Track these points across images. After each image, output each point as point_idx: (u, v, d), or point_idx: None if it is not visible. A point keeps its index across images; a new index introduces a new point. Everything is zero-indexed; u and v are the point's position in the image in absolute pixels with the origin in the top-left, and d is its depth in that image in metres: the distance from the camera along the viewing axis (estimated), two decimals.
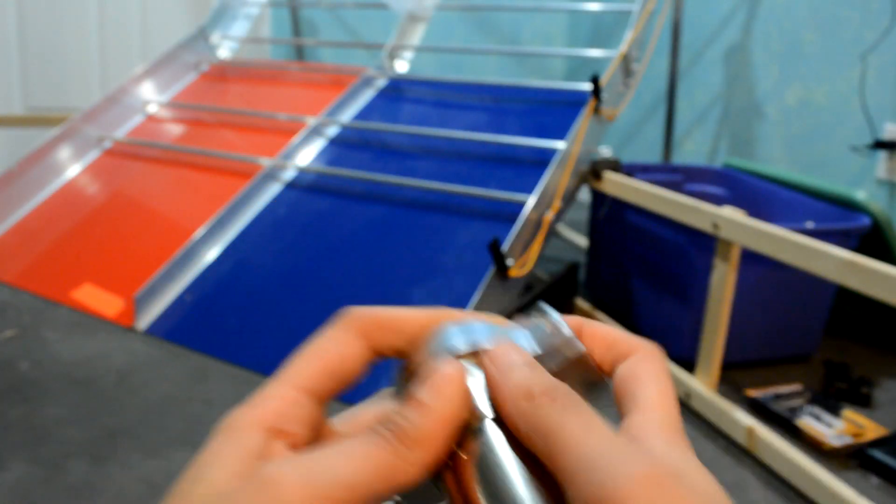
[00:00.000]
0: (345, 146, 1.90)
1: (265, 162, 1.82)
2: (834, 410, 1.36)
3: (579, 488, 0.19)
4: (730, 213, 1.28)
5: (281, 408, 0.23)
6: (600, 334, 0.26)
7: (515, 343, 0.25)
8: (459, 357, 0.24)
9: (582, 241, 2.16)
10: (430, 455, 0.22)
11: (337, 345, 0.25)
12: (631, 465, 0.19)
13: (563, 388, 0.22)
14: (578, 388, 0.24)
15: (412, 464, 0.22)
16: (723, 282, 1.30)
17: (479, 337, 0.25)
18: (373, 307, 0.26)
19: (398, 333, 0.25)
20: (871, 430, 1.31)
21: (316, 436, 0.25)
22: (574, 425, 0.21)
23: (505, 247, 1.39)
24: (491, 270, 1.39)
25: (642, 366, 0.24)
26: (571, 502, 0.20)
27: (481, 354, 0.24)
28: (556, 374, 0.24)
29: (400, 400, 0.25)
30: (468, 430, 0.23)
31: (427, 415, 0.22)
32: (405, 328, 0.26)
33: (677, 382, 1.38)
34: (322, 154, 1.89)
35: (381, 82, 2.08)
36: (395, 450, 0.21)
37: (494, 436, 0.23)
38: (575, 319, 0.26)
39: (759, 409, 1.37)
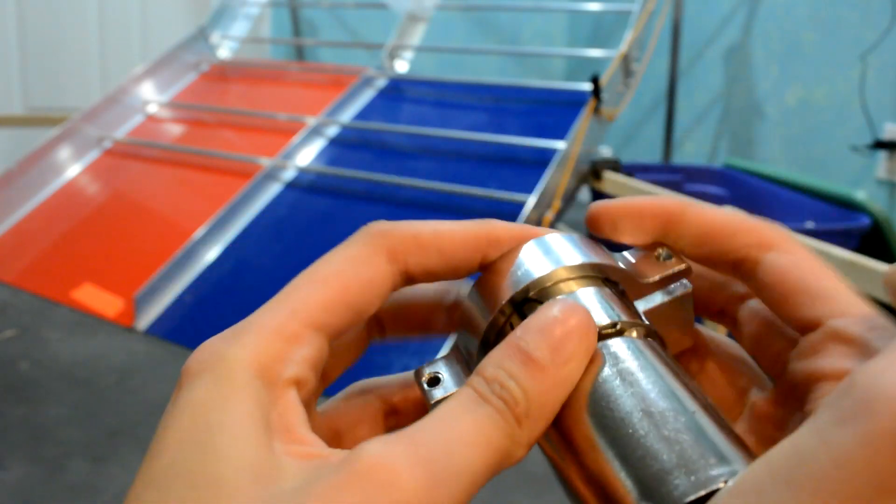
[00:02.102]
0: (345, 146, 1.90)
1: (265, 162, 1.82)
2: None
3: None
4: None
5: (284, 347, 0.18)
6: (717, 223, 0.20)
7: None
8: (562, 282, 0.19)
9: None
10: (541, 432, 0.17)
11: (360, 267, 0.19)
12: None
13: None
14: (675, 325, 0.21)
15: (522, 445, 0.17)
16: None
17: (580, 255, 0.20)
18: (403, 221, 0.21)
19: (440, 254, 0.20)
20: None
21: (322, 388, 0.20)
22: None
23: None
24: None
25: (805, 262, 0.19)
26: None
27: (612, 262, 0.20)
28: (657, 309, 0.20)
29: (478, 344, 0.20)
30: None
31: (545, 380, 0.17)
32: (448, 248, 0.20)
33: None
34: (322, 154, 1.89)
35: (381, 82, 2.08)
36: (507, 427, 0.17)
37: (636, 344, 0.18)
38: (673, 204, 0.21)
39: None
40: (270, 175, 1.81)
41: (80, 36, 2.68)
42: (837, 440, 0.13)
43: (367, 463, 0.15)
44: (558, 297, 0.19)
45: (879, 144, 2.04)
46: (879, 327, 0.17)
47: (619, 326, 0.18)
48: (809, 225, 1.54)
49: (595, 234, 0.22)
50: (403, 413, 0.23)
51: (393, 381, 0.23)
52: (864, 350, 0.17)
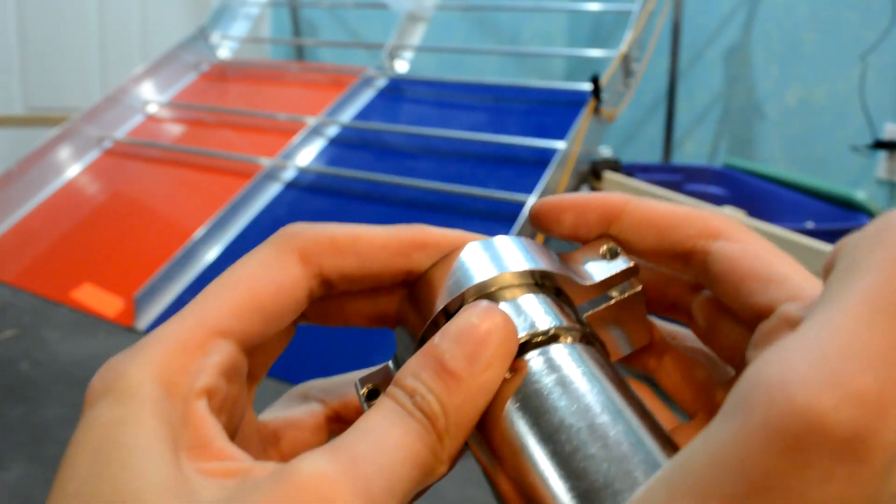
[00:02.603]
0: (345, 146, 1.90)
1: (265, 162, 1.82)
2: None
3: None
4: (730, 213, 1.28)
5: (189, 358, 0.17)
6: (659, 215, 0.20)
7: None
8: (493, 292, 0.18)
9: None
10: (462, 444, 0.17)
11: (270, 270, 0.18)
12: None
13: None
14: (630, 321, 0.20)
15: (444, 461, 0.16)
16: None
17: (521, 260, 0.19)
18: (321, 223, 0.20)
19: (358, 257, 0.19)
20: None
21: (243, 405, 0.19)
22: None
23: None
24: None
25: (754, 248, 0.18)
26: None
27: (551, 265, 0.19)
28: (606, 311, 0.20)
29: (409, 350, 0.19)
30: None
31: (461, 392, 0.16)
32: (366, 251, 0.19)
33: None
34: (322, 154, 1.89)
35: (381, 82, 2.08)
36: (430, 442, 0.16)
37: (575, 351, 0.17)
38: (615, 199, 0.20)
39: None
40: (270, 175, 1.81)
41: (80, 36, 2.68)
42: (715, 438, 0.12)
43: (303, 479, 0.14)
44: (480, 301, 0.18)
45: (879, 144, 2.04)
46: None
47: (552, 332, 0.18)
48: (809, 225, 1.54)
49: (540, 230, 0.22)
50: (346, 419, 0.22)
51: (337, 383, 0.22)
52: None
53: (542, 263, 0.19)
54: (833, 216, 1.62)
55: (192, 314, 0.17)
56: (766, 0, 2.44)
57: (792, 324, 0.16)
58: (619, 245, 0.20)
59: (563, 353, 0.17)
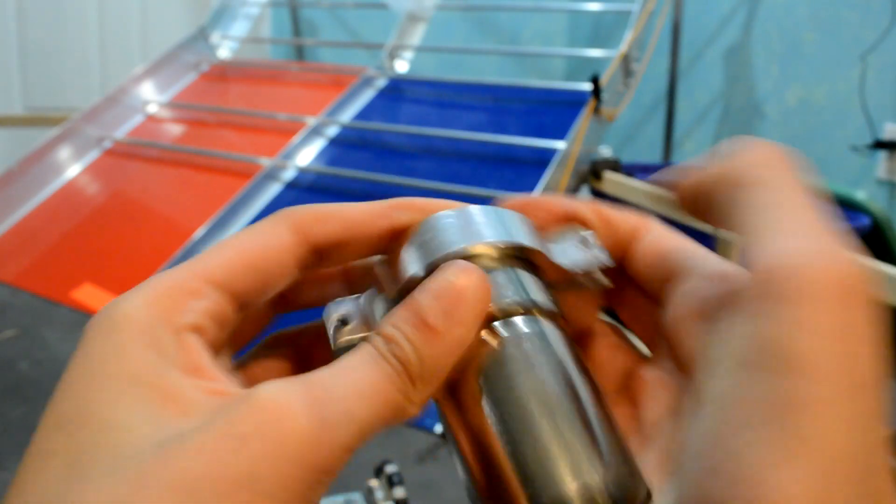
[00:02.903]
0: (345, 146, 1.90)
1: (265, 162, 1.82)
2: None
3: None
4: None
5: (182, 298, 0.18)
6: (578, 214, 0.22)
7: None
8: (468, 257, 0.19)
9: None
10: (433, 391, 0.18)
11: (260, 236, 0.20)
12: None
13: None
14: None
15: (415, 403, 0.18)
16: None
17: (501, 231, 0.19)
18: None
19: (341, 223, 0.20)
20: None
21: (233, 352, 0.21)
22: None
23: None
24: None
25: (667, 239, 0.21)
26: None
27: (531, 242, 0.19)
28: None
29: (388, 304, 0.20)
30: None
31: (437, 344, 0.17)
32: (350, 215, 0.20)
33: None
34: (322, 154, 1.89)
35: (381, 82, 2.08)
36: (401, 385, 0.17)
37: (544, 329, 0.18)
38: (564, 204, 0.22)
39: None
40: (270, 175, 1.81)
41: (80, 36, 2.68)
42: (782, 333, 0.14)
43: (261, 399, 0.16)
44: (458, 260, 0.18)
45: (879, 144, 2.04)
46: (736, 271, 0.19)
47: (528, 308, 0.18)
48: None
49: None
50: (318, 364, 0.23)
51: (310, 329, 0.23)
52: (724, 281, 0.18)
53: (520, 237, 0.19)
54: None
55: (187, 267, 0.19)
56: (766, 0, 2.44)
57: (701, 279, 0.19)
58: (593, 233, 0.21)
59: (539, 330, 0.18)
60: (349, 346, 0.19)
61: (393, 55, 2.16)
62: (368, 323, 0.20)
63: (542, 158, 1.60)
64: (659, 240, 0.21)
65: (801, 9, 2.32)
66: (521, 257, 0.19)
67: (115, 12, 2.72)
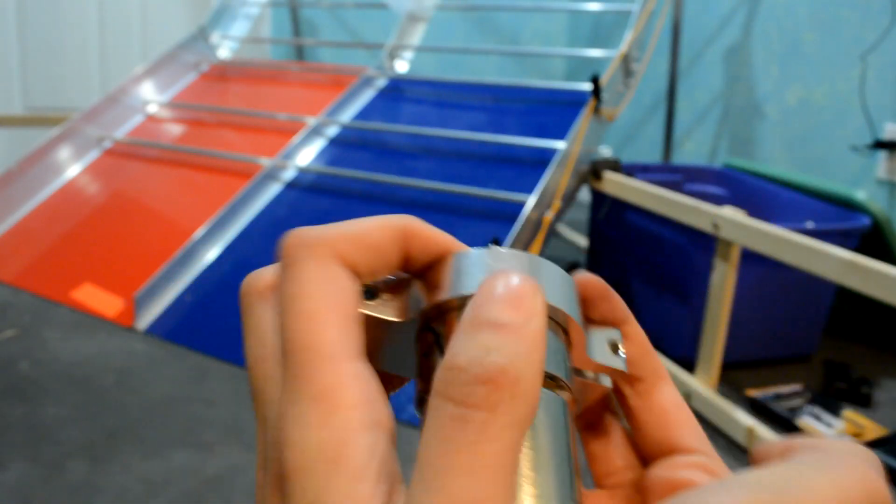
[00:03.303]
0: (345, 146, 1.90)
1: (265, 162, 1.82)
2: (834, 410, 1.36)
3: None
4: (730, 213, 1.28)
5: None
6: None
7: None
8: None
9: (582, 241, 2.16)
10: (536, 399, 0.16)
11: (328, 283, 0.19)
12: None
13: None
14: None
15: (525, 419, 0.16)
16: (723, 282, 1.30)
17: (558, 294, 0.19)
18: (317, 228, 0.20)
19: (373, 251, 0.19)
20: (871, 430, 1.31)
21: None
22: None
23: (505, 247, 1.39)
24: None
25: (677, 398, 0.22)
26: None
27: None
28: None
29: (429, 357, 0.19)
30: None
31: (523, 340, 0.15)
32: (376, 243, 0.20)
33: (677, 382, 1.38)
34: (322, 154, 1.89)
35: (381, 82, 2.08)
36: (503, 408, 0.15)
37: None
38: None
39: (760, 409, 1.37)
40: (270, 175, 1.81)
41: (80, 36, 2.68)
42: None
43: None
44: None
45: (879, 144, 2.04)
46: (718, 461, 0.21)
47: (560, 384, 0.19)
48: (809, 225, 1.54)
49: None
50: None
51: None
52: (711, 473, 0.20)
53: (573, 311, 0.20)
54: (833, 216, 1.62)
55: (315, 357, 0.17)
56: (766, 0, 2.44)
57: (698, 466, 0.21)
58: (622, 342, 0.22)
59: (561, 407, 0.19)
60: (370, 319, 0.20)
61: (393, 55, 2.16)
62: (397, 307, 0.20)
63: (542, 158, 1.60)
64: (671, 403, 0.22)
65: (801, 9, 2.32)
66: (561, 325, 0.20)
67: (115, 12, 2.72)
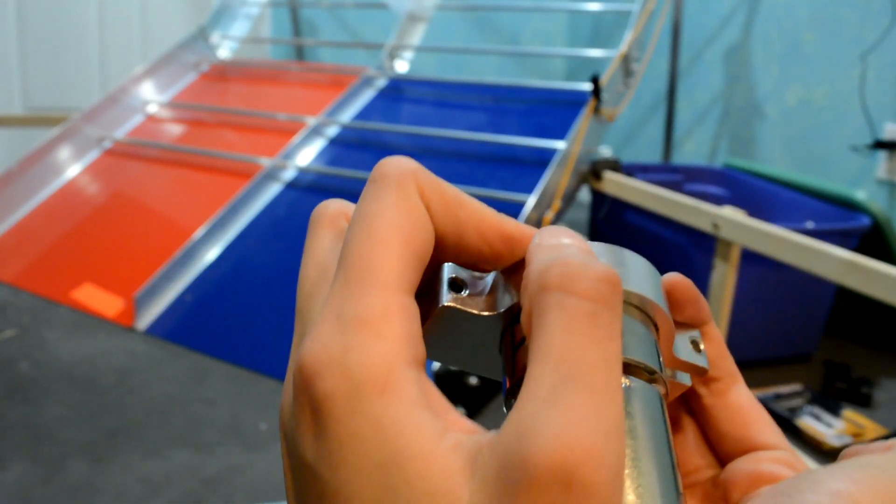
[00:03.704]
0: (345, 146, 1.90)
1: (265, 162, 1.82)
2: (834, 410, 1.36)
3: None
4: (730, 213, 1.28)
5: (407, 326, 0.16)
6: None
7: None
8: None
9: None
10: None
11: (411, 216, 0.18)
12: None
13: None
14: None
15: None
16: (723, 282, 1.30)
17: (651, 288, 0.20)
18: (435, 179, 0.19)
19: (478, 234, 0.19)
20: (871, 430, 1.31)
21: None
22: None
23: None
24: None
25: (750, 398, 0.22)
26: None
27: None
28: None
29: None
30: None
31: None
32: (487, 231, 0.19)
33: None
34: (322, 154, 1.89)
35: (381, 82, 2.08)
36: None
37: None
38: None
39: None
40: (270, 175, 1.81)
41: (80, 36, 2.68)
42: None
43: None
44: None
45: (879, 144, 2.04)
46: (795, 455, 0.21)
47: (655, 376, 0.19)
48: (809, 225, 1.54)
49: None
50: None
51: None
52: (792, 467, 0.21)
53: (663, 303, 0.20)
54: (833, 216, 1.62)
55: (371, 278, 0.16)
56: (766, 0, 2.44)
57: (779, 461, 0.21)
58: (702, 342, 0.22)
59: (655, 396, 0.19)
60: (455, 311, 0.19)
61: (393, 55, 2.16)
62: (482, 301, 0.20)
63: (542, 158, 1.60)
64: (748, 402, 0.22)
65: (801, 9, 2.32)
66: (651, 317, 0.20)
67: (115, 12, 2.72)
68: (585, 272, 0.15)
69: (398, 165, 0.18)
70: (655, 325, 0.20)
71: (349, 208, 0.20)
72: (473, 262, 0.19)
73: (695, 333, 0.22)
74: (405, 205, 0.18)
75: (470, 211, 0.19)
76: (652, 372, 0.19)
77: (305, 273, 0.19)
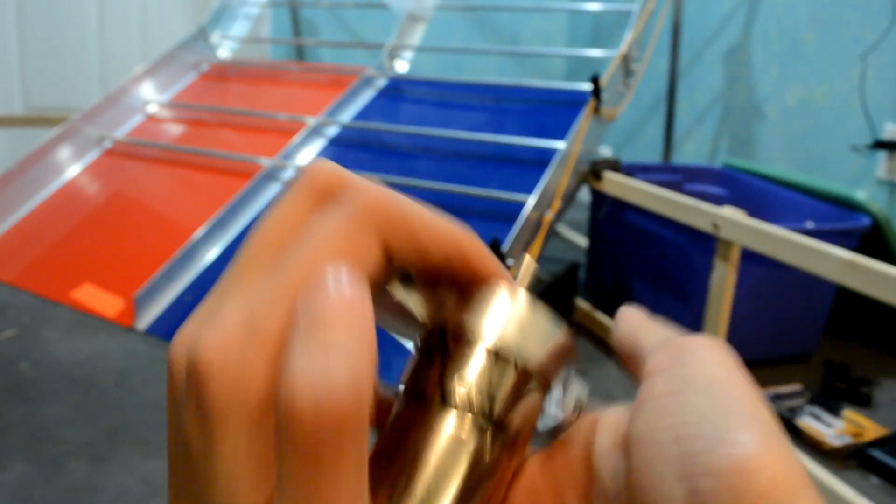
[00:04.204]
0: (345, 146, 1.90)
1: (265, 162, 1.82)
2: (834, 410, 1.36)
3: None
4: (730, 213, 1.28)
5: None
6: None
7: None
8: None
9: (582, 241, 2.16)
10: None
11: (355, 246, 0.16)
12: None
13: None
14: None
15: None
16: (723, 282, 1.30)
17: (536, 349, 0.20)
18: (372, 186, 0.18)
19: (418, 243, 0.18)
20: (871, 430, 1.31)
21: None
22: None
23: (505, 247, 1.39)
24: None
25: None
26: None
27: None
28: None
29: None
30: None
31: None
32: (434, 242, 0.18)
33: None
34: (322, 154, 1.89)
35: (381, 82, 2.08)
36: None
37: None
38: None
39: None
40: (270, 175, 1.81)
41: (80, 36, 2.68)
42: None
43: None
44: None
45: (879, 144, 2.04)
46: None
47: (487, 417, 0.19)
48: (809, 225, 1.54)
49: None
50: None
51: None
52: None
53: (551, 371, 0.21)
54: (833, 216, 1.62)
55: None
56: (766, 0, 2.44)
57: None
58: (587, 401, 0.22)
59: (479, 430, 0.19)
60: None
61: (393, 55, 2.16)
62: (426, 305, 0.20)
63: (542, 158, 1.60)
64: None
65: (801, 9, 2.32)
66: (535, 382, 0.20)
67: (115, 12, 2.72)
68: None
69: (327, 176, 0.18)
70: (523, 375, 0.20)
71: (344, 179, 0.18)
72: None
73: (583, 398, 0.22)
74: (347, 231, 0.17)
75: (437, 231, 0.19)
76: (487, 416, 0.19)
77: (256, 234, 0.18)
